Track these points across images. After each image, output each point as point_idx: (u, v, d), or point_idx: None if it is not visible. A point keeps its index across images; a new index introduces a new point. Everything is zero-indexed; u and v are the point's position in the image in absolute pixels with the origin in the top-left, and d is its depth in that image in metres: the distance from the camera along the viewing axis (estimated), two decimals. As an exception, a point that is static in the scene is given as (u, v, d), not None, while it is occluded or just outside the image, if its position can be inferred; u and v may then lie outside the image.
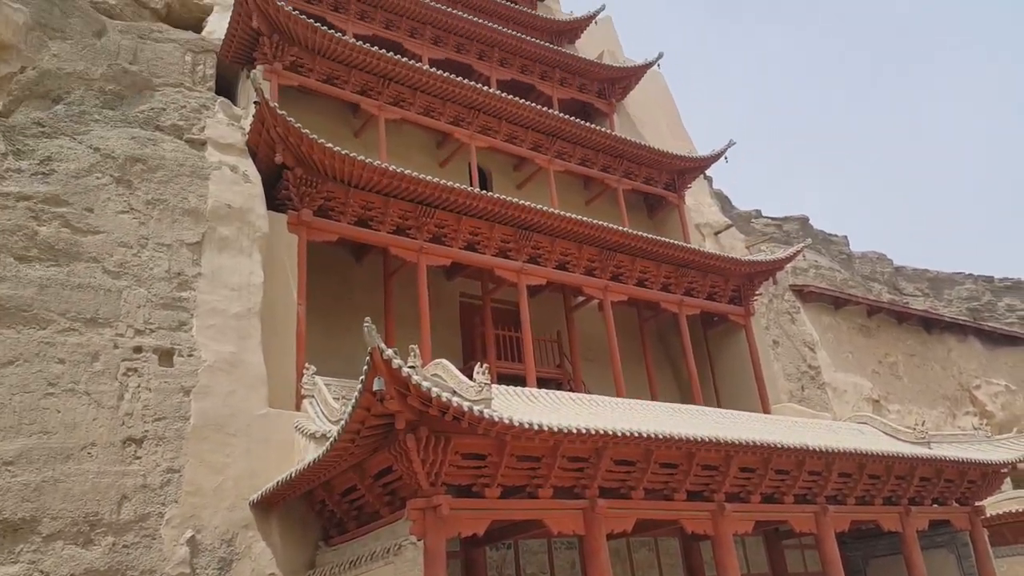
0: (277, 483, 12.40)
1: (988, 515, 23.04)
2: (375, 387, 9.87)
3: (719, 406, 21.54)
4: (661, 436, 12.85)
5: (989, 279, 40.61)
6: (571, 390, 19.20)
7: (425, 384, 10.01)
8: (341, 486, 12.44)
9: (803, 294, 27.44)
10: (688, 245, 21.05)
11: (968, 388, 29.99)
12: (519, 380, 17.51)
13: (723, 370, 23.68)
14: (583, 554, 13.04)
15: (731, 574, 14.20)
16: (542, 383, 18.32)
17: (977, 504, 18.70)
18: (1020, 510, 22.49)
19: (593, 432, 11.94)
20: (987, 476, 18.45)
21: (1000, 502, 24.34)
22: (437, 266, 17.69)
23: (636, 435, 12.49)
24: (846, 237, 37.41)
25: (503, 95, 20.14)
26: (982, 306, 39.49)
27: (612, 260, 20.08)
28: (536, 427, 11.22)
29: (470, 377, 11.24)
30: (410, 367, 10.00)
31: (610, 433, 12.14)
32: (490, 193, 17.46)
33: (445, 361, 12.20)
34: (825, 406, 25.82)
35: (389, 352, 9.79)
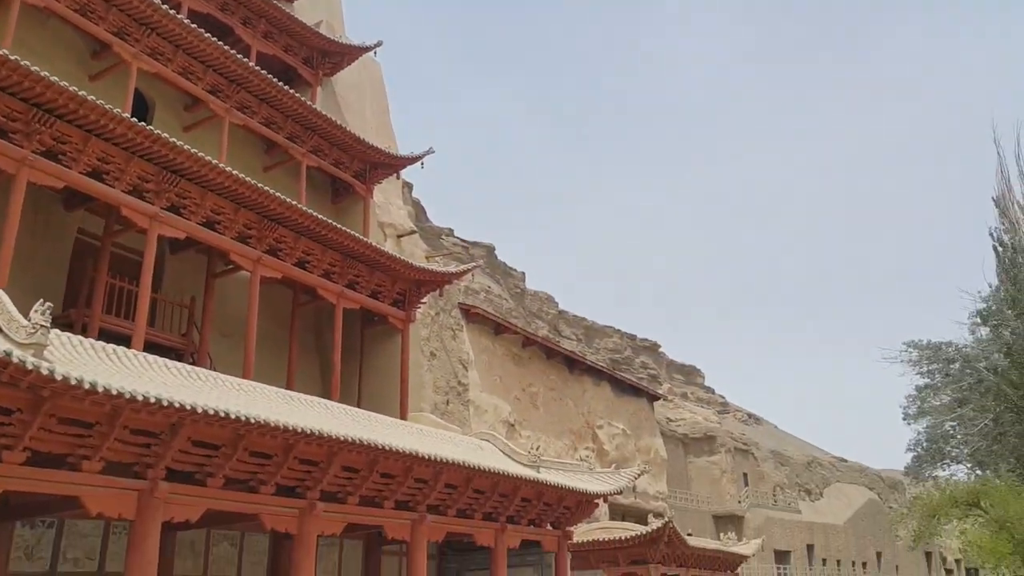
0: None
1: (579, 540, 25.03)
2: None
3: (359, 406, 20.82)
4: (254, 421, 11.59)
5: (632, 337, 45.66)
6: (193, 363, 17.17)
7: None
8: None
9: (469, 314, 28.02)
10: (359, 236, 20.16)
11: (593, 426, 32.83)
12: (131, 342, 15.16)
13: (372, 371, 23.06)
14: (130, 540, 11.20)
15: (305, 574, 13.26)
16: (160, 350, 16.08)
17: (568, 528, 19.95)
18: (606, 539, 24.66)
19: (165, 404, 10.32)
20: (581, 504, 19.80)
21: (592, 529, 26.62)
22: (47, 187, 14.75)
23: (223, 415, 11.10)
24: (524, 273, 39.52)
25: (183, 19, 17.76)
26: (623, 359, 44.14)
27: (272, 232, 18.49)
28: (88, 386, 9.35)
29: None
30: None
31: (187, 408, 10.60)
32: (133, 119, 15.00)
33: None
34: (465, 422, 26.41)
35: None
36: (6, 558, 12.37)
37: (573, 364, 32.58)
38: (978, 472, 30.97)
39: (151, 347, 16.13)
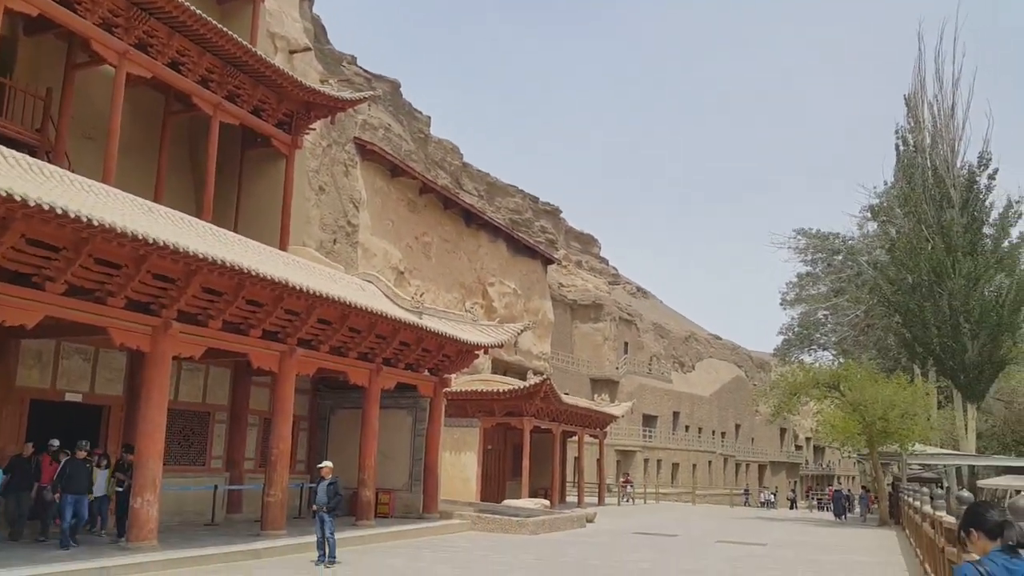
0: None
1: (458, 390, 25.21)
2: None
3: (236, 231, 19.45)
4: (98, 224, 10.30)
5: (535, 199, 45.08)
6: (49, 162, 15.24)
7: None
8: None
9: (364, 151, 26.47)
10: (243, 42, 18.08)
11: (484, 283, 32.62)
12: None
13: (251, 197, 21.53)
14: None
15: (157, 394, 12.49)
16: (10, 144, 14.07)
17: (445, 376, 19.82)
18: (484, 390, 24.95)
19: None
20: (461, 353, 19.60)
21: (472, 380, 26.89)
22: None
23: (59, 212, 9.75)
24: (430, 118, 37.62)
25: None
26: (523, 220, 43.68)
27: (143, 23, 16.24)
28: None
29: None
30: None
31: (18, 199, 9.19)
32: None
33: None
34: (352, 264, 25.47)
35: None
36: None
37: (470, 218, 31.81)
38: (841, 360, 33.16)
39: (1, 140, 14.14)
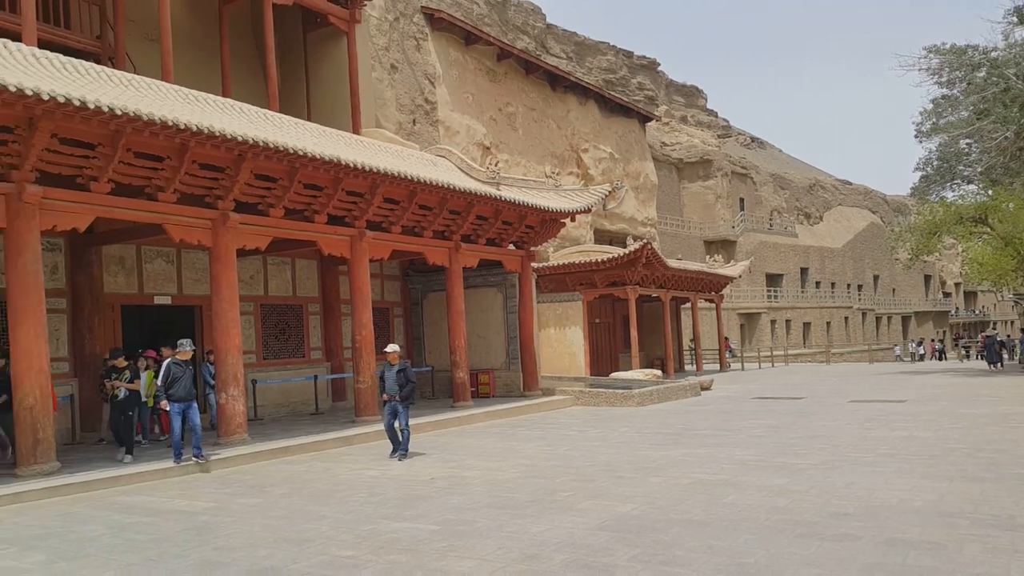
0: None
1: (555, 263, 24.27)
2: None
3: (309, 119, 18.80)
4: (132, 114, 9.67)
5: (629, 54, 41.90)
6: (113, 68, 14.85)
7: None
8: None
9: (434, 20, 24.83)
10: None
11: (577, 149, 30.87)
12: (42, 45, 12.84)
13: (319, 82, 20.72)
14: None
15: (227, 289, 12.19)
16: (74, 55, 13.70)
17: (531, 248, 18.84)
18: (582, 261, 23.86)
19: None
20: (546, 223, 18.47)
21: (570, 253, 25.84)
22: None
23: (77, 103, 9.17)
24: (508, -22, 35.05)
25: None
26: (617, 79, 40.87)
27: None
28: None
29: None
30: None
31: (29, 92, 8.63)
32: None
33: None
34: (435, 144, 24.46)
35: None
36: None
37: (556, 81, 29.77)
38: (989, 192, 29.33)
39: (63, 51, 13.71)
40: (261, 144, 11.37)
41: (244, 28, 20.21)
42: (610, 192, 19.13)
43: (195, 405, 10.54)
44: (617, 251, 24.38)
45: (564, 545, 5.92)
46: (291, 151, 11.79)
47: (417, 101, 24.49)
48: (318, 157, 12.20)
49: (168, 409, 10.34)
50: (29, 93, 8.87)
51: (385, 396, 10.94)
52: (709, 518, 6.63)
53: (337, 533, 6.65)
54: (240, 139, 11.09)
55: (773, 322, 46.69)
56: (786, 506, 6.98)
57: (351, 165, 12.72)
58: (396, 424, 10.98)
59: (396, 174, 13.57)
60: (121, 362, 11.42)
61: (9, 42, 11.02)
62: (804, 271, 54.38)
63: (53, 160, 10.18)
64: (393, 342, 19.67)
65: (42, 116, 9.46)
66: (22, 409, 9.73)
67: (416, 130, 24.36)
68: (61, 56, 11.69)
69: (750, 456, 9.96)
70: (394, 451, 11.00)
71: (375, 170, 13.16)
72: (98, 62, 15.30)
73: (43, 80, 9.81)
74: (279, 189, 12.77)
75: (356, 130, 19.43)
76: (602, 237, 32.26)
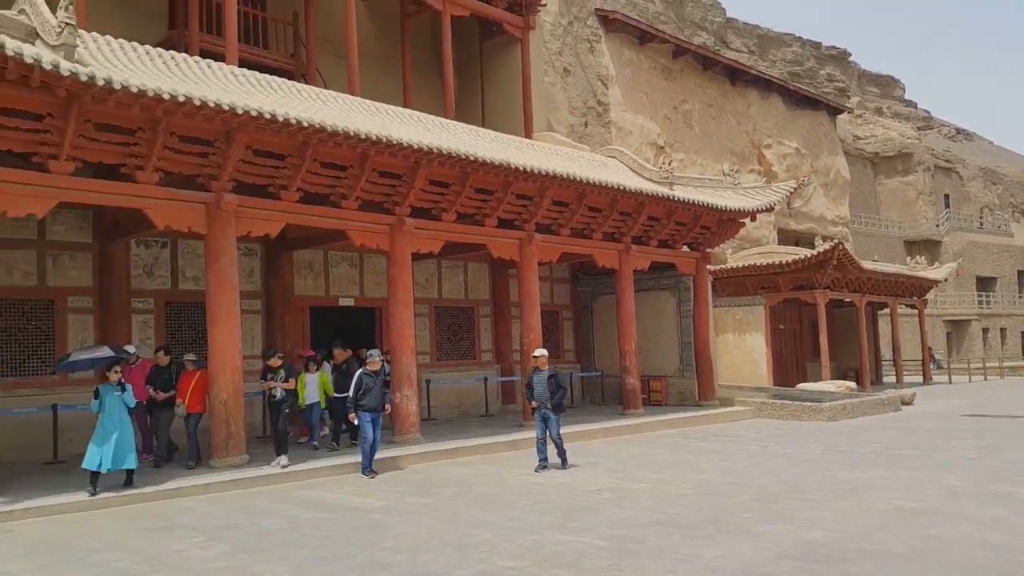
0: None
1: (735, 266, 23.08)
2: None
3: (483, 126, 19.19)
4: (307, 125, 10.21)
5: (816, 44, 39.26)
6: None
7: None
8: None
9: (608, 21, 24.50)
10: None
11: (759, 146, 29.27)
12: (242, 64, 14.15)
13: (493, 90, 21.07)
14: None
15: (402, 291, 12.57)
16: (267, 71, 14.92)
17: (707, 250, 17.98)
18: (764, 263, 22.52)
19: (212, 105, 9.12)
20: (723, 223, 17.56)
21: (751, 255, 24.50)
22: None
23: (268, 116, 9.79)
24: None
25: None
26: (804, 71, 38.44)
27: (355, -73, 16.05)
28: (120, 87, 8.39)
29: None
30: None
31: (225, 107, 9.32)
32: None
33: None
34: (607, 145, 24.13)
35: None
36: (127, 276, 12.76)
37: (735, 75, 28.40)
38: None
39: (260, 69, 14.91)
40: (435, 151, 11.60)
41: (424, 41, 20.96)
42: (795, 189, 17.88)
43: (381, 419, 10.30)
44: (803, 252, 22.78)
45: (741, 573, 5.39)
46: (462, 156, 11.96)
47: (589, 103, 24.26)
48: (488, 161, 12.28)
49: (356, 421, 10.15)
50: (226, 108, 9.56)
51: (534, 403, 10.44)
52: (911, 551, 5.82)
53: (500, 541, 6.51)
54: (416, 147, 11.37)
55: (985, 330, 41.88)
56: (1004, 543, 6.00)
57: (520, 168, 12.70)
58: (548, 434, 10.36)
59: (564, 176, 13.39)
60: (275, 362, 10.86)
61: (212, 62, 12.02)
62: (1021, 274, 48.35)
63: (247, 171, 10.92)
64: (559, 346, 19.64)
65: (237, 129, 10.16)
66: (216, 403, 10.50)
67: (588, 132, 24.13)
68: (257, 73, 12.60)
69: (959, 482, 8.78)
70: (540, 465, 10.32)
71: (543, 172, 13.07)
72: (291, 78, 16.35)
73: (239, 96, 10.56)
74: (451, 194, 13.00)
75: (528, 134, 19.54)
76: (787, 238, 30.38)
